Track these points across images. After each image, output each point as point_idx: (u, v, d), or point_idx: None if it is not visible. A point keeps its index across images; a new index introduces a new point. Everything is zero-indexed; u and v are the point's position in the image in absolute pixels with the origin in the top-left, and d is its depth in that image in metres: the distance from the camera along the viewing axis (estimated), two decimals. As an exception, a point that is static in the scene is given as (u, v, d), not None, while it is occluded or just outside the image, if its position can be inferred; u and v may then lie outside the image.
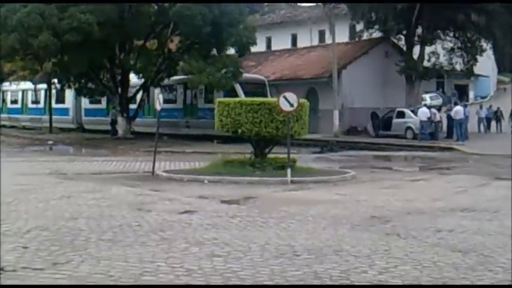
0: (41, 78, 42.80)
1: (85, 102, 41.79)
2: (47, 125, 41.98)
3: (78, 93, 38.75)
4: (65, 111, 42.72)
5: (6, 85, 50.33)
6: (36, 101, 46.87)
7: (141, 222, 9.46)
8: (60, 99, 42.90)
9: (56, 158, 24.21)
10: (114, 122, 36.43)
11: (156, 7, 34.87)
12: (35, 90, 45.97)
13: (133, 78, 35.56)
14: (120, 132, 35.13)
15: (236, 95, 28.55)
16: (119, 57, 34.44)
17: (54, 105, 42.91)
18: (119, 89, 35.28)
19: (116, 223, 9.31)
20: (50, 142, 31.58)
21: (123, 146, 30.21)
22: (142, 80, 34.97)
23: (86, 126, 41.95)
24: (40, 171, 17.71)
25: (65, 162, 21.15)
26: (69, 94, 41.90)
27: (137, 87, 35.68)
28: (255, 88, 31.67)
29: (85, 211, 10.41)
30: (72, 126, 42.58)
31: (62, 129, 41.50)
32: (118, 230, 8.78)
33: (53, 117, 42.00)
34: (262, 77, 35.88)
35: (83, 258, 7.16)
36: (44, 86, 43.84)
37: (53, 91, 42.83)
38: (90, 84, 36.52)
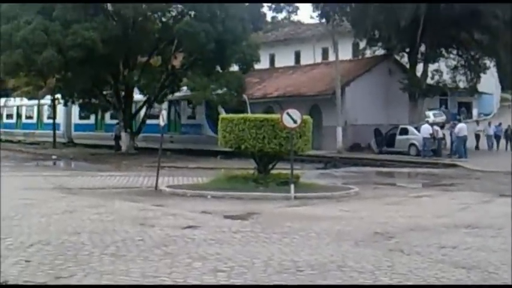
0: (45, 93, 43.25)
1: (75, 118, 43.42)
2: (40, 139, 43.97)
3: (82, 109, 39.31)
4: (56, 126, 43.38)
5: (2, 101, 51.18)
6: (29, 116, 48.77)
7: (144, 237, 9.44)
8: (52, 114, 43.57)
9: (59, 172, 24.24)
10: (117, 138, 36.54)
11: (160, 24, 35.07)
12: (38, 105, 46.67)
13: (136, 94, 35.71)
14: (124, 147, 35.20)
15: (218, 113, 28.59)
16: (123, 73, 34.57)
17: (46, 120, 44.53)
18: (123, 105, 35.41)
19: (119, 238, 9.29)
20: (53, 157, 31.61)
21: (126, 161, 30.26)
22: (146, 96, 35.11)
23: (76, 141, 43.36)
24: (44, 186, 17.71)
25: (68, 177, 21.15)
26: (59, 110, 43.29)
27: (140, 103, 35.93)
28: (236, 106, 31.70)
29: (88, 226, 10.39)
30: (62, 140, 43.58)
31: (65, 144, 42.12)
32: (121, 245, 8.76)
33: (45, 131, 44.00)
34: (243, 95, 35.88)
35: (86, 272, 7.15)
36: (35, 102, 45.45)
37: (45, 107, 43.98)
38: (93, 100, 36.75)
